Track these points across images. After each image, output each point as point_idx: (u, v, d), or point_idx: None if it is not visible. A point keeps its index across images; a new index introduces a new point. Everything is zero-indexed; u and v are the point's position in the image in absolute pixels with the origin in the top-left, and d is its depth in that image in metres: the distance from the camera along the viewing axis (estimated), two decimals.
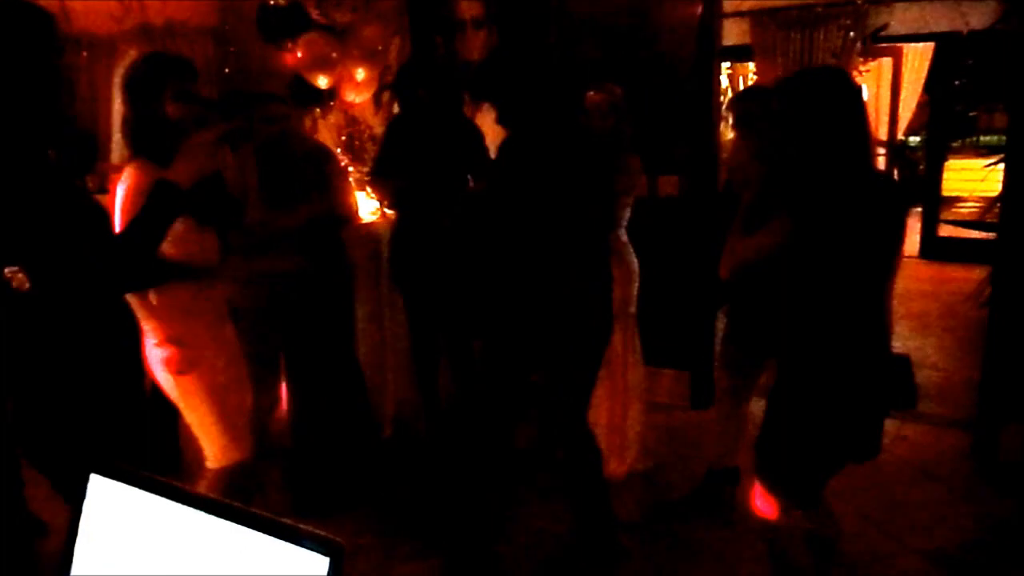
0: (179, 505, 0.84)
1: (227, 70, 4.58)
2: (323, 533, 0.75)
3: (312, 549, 0.75)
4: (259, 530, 0.78)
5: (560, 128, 2.32)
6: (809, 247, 1.87)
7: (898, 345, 2.12)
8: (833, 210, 1.85)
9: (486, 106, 3.25)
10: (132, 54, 3.89)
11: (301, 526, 0.76)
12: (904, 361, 2.04)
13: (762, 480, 2.11)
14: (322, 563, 0.74)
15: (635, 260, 3.19)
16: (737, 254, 2.07)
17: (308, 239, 3.00)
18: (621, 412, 3.29)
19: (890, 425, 3.54)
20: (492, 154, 2.86)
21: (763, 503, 2.12)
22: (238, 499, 0.82)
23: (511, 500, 3.14)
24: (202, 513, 0.82)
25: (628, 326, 3.20)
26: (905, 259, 6.97)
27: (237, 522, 0.79)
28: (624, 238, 3.16)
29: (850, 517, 2.87)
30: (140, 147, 2.14)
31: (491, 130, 3.16)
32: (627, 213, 3.13)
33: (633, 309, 3.22)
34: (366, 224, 3.79)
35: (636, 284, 3.19)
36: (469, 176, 3.36)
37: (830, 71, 2.23)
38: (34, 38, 1.58)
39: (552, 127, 2.31)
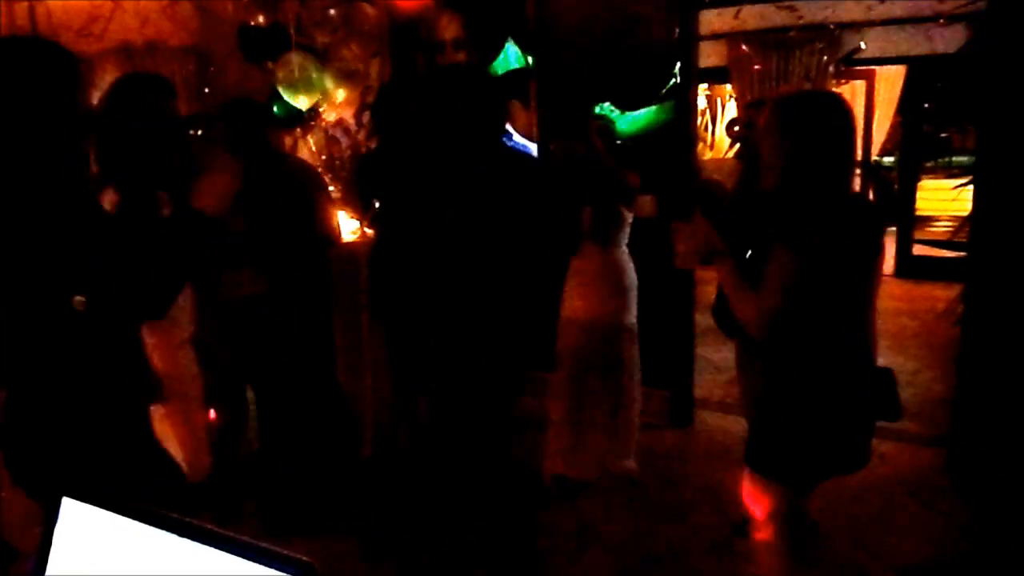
0: (150, 527, 0.83)
1: (207, 90, 4.58)
2: (295, 554, 0.75)
3: (284, 570, 0.75)
4: (230, 552, 0.77)
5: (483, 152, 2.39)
6: (804, 268, 1.89)
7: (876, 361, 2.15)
8: (824, 231, 1.88)
9: None
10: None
11: (272, 547, 0.76)
12: (887, 374, 2.07)
13: (752, 475, 2.13)
14: None
15: (632, 276, 3.33)
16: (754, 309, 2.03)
17: (292, 259, 3.01)
18: (612, 417, 3.38)
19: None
20: None
21: (752, 500, 2.14)
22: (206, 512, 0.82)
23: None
24: (173, 535, 0.81)
25: (625, 337, 3.31)
26: (880, 277, 7.08)
27: (208, 544, 0.79)
28: (624, 253, 3.33)
29: (829, 533, 2.90)
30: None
31: None
32: (626, 229, 3.31)
33: (631, 321, 3.33)
34: (346, 243, 3.79)
35: (632, 296, 3.33)
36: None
37: (828, 95, 2.27)
38: (58, 77, 1.59)
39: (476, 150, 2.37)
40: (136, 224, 1.76)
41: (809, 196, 1.91)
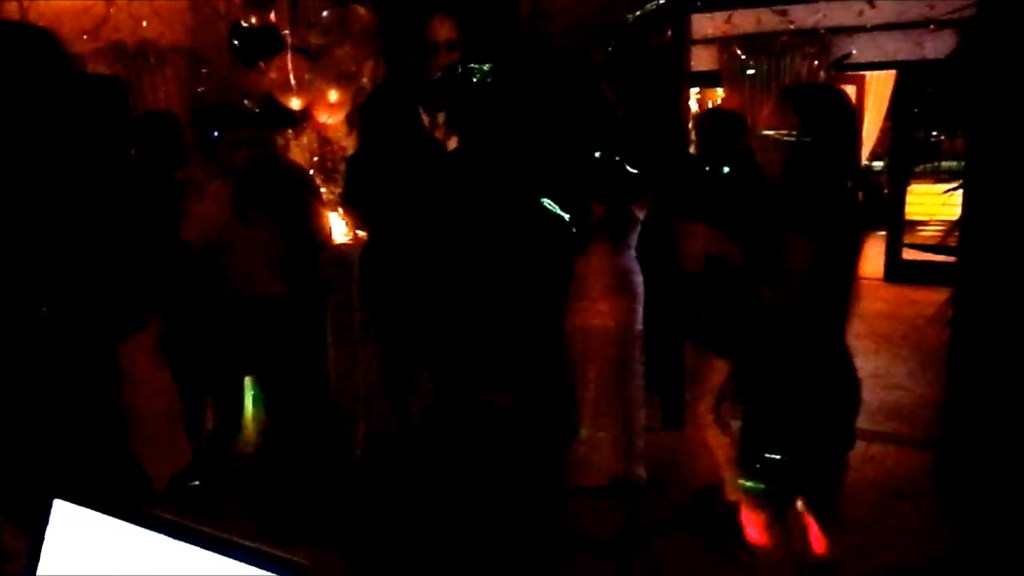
0: (142, 529, 0.83)
1: (199, 89, 4.57)
2: (288, 555, 0.74)
3: (277, 572, 0.74)
4: (223, 553, 0.77)
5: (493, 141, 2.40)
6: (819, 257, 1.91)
7: (864, 366, 2.17)
8: (834, 222, 1.90)
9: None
10: None
11: (265, 548, 0.76)
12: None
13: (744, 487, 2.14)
14: None
15: (640, 280, 3.32)
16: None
17: (284, 262, 3.01)
18: (621, 424, 3.40)
19: (858, 445, 3.60)
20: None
21: (751, 527, 2.15)
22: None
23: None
24: (165, 537, 0.81)
25: (630, 342, 3.32)
26: (870, 282, 7.11)
27: (201, 545, 0.78)
28: (633, 254, 3.33)
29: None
30: None
31: None
32: (636, 228, 3.30)
33: (639, 327, 3.34)
34: (338, 245, 3.79)
35: (639, 303, 3.33)
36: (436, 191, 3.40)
37: (834, 89, 2.31)
38: (36, 59, 1.56)
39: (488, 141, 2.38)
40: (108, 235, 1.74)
41: (817, 185, 1.93)
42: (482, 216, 2.59)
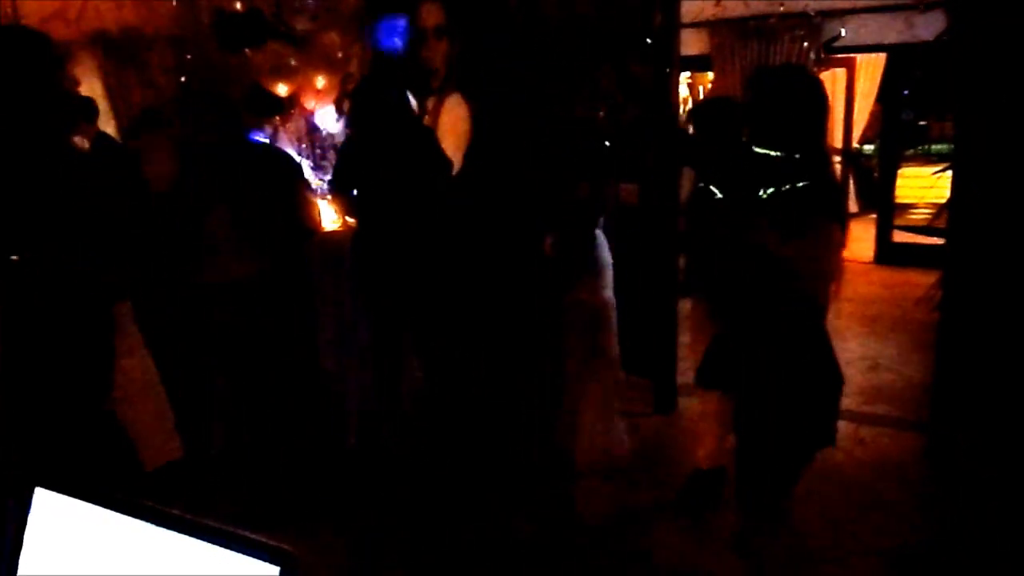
0: (125, 516, 0.82)
1: (183, 78, 4.52)
2: (272, 541, 0.73)
3: (261, 558, 0.74)
4: (206, 539, 0.76)
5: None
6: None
7: (855, 348, 2.17)
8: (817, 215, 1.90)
9: (448, 104, 3.37)
10: None
11: (250, 535, 0.75)
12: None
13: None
14: (272, 572, 0.73)
15: (606, 256, 3.33)
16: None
17: (270, 249, 2.98)
18: (597, 401, 3.39)
19: (848, 427, 3.63)
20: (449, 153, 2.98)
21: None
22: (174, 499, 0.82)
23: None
24: (148, 524, 0.80)
25: (599, 317, 3.32)
26: (860, 264, 7.13)
27: (183, 532, 0.78)
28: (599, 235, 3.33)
29: (809, 517, 2.92)
30: None
31: (452, 128, 3.24)
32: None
33: (607, 300, 3.34)
34: (328, 232, 3.76)
35: (605, 278, 3.33)
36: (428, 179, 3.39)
37: (800, 71, 2.30)
38: (32, 61, 1.60)
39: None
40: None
41: (787, 167, 1.93)
42: (480, 208, 2.58)
